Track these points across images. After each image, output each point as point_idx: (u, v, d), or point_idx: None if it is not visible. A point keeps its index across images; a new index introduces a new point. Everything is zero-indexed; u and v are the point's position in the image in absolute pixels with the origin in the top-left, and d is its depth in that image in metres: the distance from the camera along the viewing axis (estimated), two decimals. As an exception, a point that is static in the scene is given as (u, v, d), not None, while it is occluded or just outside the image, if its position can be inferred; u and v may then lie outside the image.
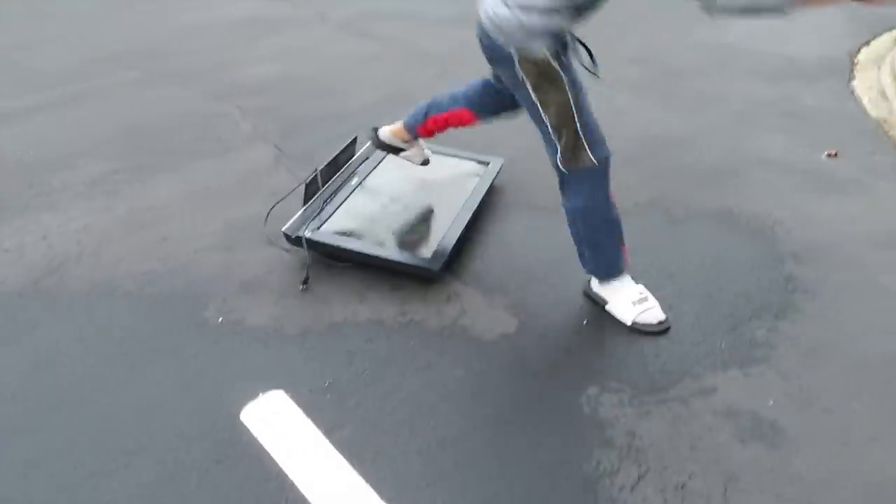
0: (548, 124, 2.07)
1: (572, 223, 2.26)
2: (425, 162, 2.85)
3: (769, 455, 1.85)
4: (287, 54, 4.76)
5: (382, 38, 5.09)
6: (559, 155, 2.10)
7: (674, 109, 3.85)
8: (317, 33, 5.23)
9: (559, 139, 2.07)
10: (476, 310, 2.39)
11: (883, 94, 3.90)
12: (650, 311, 2.28)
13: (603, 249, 2.28)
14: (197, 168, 3.32)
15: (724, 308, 2.39)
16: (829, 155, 3.33)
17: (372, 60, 4.66)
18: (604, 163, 2.12)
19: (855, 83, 4.10)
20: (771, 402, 2.01)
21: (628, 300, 2.30)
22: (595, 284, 2.39)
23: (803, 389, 2.06)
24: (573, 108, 2.03)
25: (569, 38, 2.05)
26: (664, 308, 2.32)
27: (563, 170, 2.13)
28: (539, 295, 2.46)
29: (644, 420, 1.96)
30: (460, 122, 2.54)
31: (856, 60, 4.40)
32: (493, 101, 2.41)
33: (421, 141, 2.80)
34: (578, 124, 2.05)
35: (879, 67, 4.19)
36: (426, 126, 2.61)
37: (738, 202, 2.98)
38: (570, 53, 2.05)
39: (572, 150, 2.08)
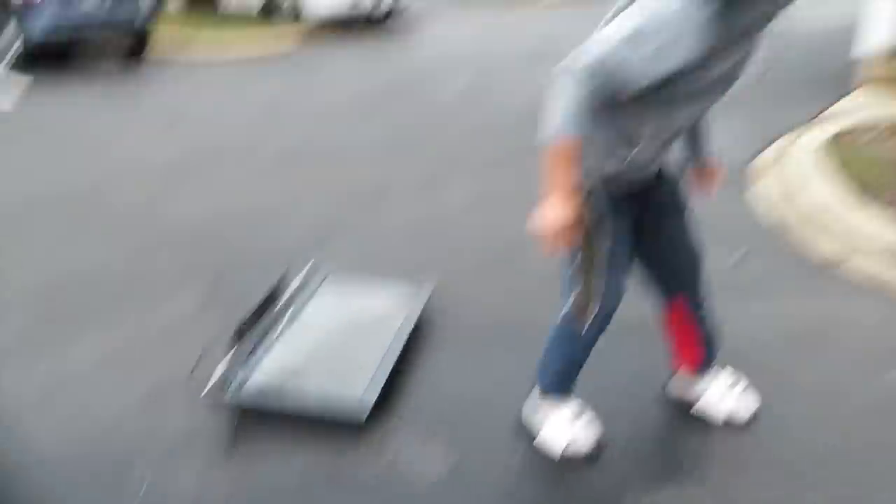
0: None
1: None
2: None
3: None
4: (214, 197, 4.81)
5: (313, 172, 5.23)
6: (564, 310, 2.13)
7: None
8: (245, 172, 5.33)
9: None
10: (410, 452, 2.36)
11: (783, 197, 4.15)
12: (579, 440, 2.28)
13: (557, 369, 2.30)
14: (118, 326, 3.23)
15: (655, 423, 2.43)
16: (736, 260, 3.50)
17: (303, 194, 4.76)
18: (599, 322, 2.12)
19: (753, 189, 4.39)
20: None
21: (562, 420, 2.30)
22: (529, 408, 2.40)
23: (725, 497, 2.09)
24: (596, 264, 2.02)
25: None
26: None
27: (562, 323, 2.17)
28: (473, 430, 2.45)
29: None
30: None
31: (752, 169, 4.71)
32: None
33: None
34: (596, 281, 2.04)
35: (776, 172, 4.50)
36: None
37: (643, 314, 3.07)
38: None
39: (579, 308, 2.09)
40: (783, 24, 1.80)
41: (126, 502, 2.19)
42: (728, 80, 1.87)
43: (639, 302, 2.38)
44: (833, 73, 6.72)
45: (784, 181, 4.34)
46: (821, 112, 5.66)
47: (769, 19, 1.77)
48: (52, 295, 3.55)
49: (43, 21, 9.20)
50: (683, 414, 2.47)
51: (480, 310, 3.20)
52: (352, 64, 9.91)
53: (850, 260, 3.43)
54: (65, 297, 3.53)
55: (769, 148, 5.01)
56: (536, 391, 2.38)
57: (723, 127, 5.41)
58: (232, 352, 2.64)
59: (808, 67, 7.17)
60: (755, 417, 2.41)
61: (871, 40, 6.25)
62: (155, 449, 2.42)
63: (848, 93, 6.18)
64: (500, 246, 3.76)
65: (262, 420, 2.52)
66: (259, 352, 2.74)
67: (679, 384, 2.52)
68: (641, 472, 2.23)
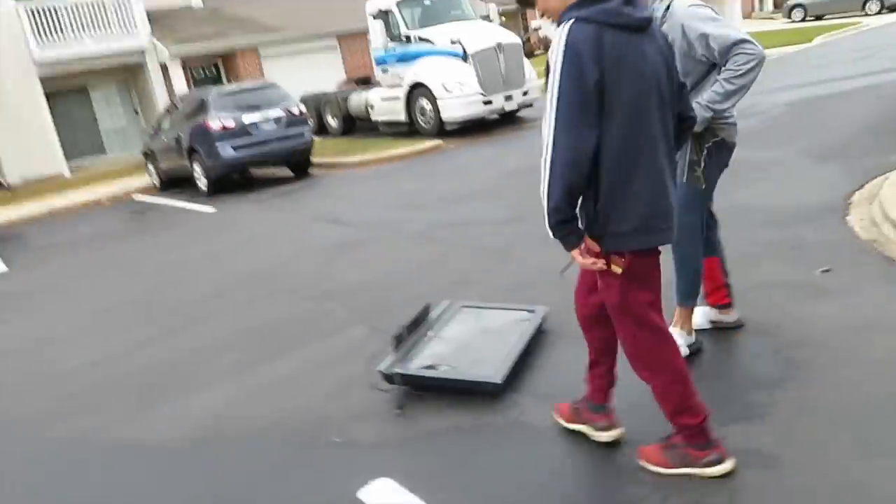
0: None
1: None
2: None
3: (768, 475, 2.36)
4: (371, 264, 5.85)
5: (448, 241, 6.17)
6: None
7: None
8: (393, 245, 6.37)
9: None
10: (532, 412, 3.04)
11: (873, 222, 4.55)
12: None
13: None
14: (309, 349, 4.22)
15: (732, 384, 2.96)
16: (822, 271, 3.95)
17: (440, 258, 5.68)
18: None
19: (849, 217, 4.78)
20: (769, 440, 2.54)
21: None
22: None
23: (795, 433, 2.58)
24: None
25: None
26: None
27: None
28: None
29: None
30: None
31: (850, 201, 5.10)
32: None
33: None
34: None
35: (870, 203, 4.88)
36: None
37: (745, 314, 3.59)
38: None
39: None
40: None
41: (327, 447, 3.03)
42: None
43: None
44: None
45: (872, 210, 4.70)
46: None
47: None
48: (256, 336, 4.62)
49: (233, 143, 11.11)
50: (757, 377, 2.98)
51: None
52: (484, 154, 11.04)
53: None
54: (265, 336, 4.59)
55: (869, 183, 5.35)
56: None
57: (827, 170, 5.84)
58: (394, 351, 3.49)
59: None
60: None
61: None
62: (343, 417, 3.27)
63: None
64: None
65: (420, 397, 3.31)
66: (415, 349, 3.56)
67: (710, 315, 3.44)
68: (715, 415, 2.76)
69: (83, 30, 17.40)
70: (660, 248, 2.36)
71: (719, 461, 2.39)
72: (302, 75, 19.51)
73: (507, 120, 13.60)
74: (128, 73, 19.40)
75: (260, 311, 5.15)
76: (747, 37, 2.81)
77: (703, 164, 3.02)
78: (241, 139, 11.19)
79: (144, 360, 4.53)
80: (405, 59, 13.88)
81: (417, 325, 3.76)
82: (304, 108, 12.27)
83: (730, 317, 3.48)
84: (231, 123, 11.16)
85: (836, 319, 3.40)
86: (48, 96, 17.14)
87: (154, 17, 18.97)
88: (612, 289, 2.33)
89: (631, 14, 2.15)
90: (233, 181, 11.92)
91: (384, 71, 14.78)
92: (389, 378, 3.36)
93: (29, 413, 4.03)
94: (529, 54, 30.70)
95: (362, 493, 2.67)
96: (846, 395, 2.77)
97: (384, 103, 14.60)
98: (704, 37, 2.82)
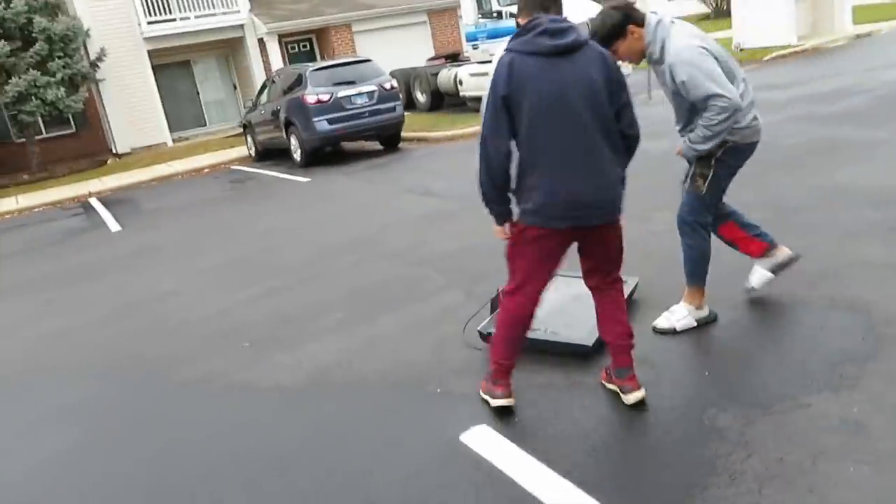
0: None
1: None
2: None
3: (852, 439, 2.47)
4: (463, 234, 6.10)
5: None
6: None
7: (786, 236, 4.57)
8: (484, 217, 6.57)
9: None
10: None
11: (981, 205, 4.44)
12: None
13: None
14: (409, 310, 4.51)
15: (823, 353, 3.06)
16: (923, 253, 3.92)
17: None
18: None
19: (956, 200, 4.67)
20: (855, 409, 2.63)
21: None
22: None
23: (884, 402, 2.66)
24: None
25: None
26: (776, 359, 3.03)
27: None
28: (666, 352, 3.26)
29: (751, 426, 2.65)
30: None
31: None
32: None
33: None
34: None
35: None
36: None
37: (839, 292, 3.64)
38: None
39: None
40: None
41: (428, 398, 3.32)
42: None
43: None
44: None
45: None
46: None
47: None
48: (359, 295, 4.96)
49: (328, 117, 11.57)
50: (848, 350, 3.05)
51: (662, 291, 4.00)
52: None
53: None
54: (368, 296, 4.91)
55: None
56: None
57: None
58: (491, 312, 3.73)
59: None
60: None
61: None
62: (444, 370, 3.55)
63: None
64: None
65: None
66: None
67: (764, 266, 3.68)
68: (806, 381, 2.87)
69: (188, 5, 18.30)
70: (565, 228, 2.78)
71: (502, 397, 3.04)
72: (392, 51, 19.87)
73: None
74: (227, 48, 20.28)
75: (361, 273, 5.49)
76: (720, 90, 3.01)
77: (710, 175, 3.36)
78: (335, 113, 11.62)
79: (258, 313, 4.95)
80: (496, 35, 13.98)
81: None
82: (395, 83, 12.58)
83: (781, 255, 3.67)
84: (326, 98, 11.59)
85: (933, 298, 3.40)
86: (154, 69, 18.18)
87: (253, -6, 19.70)
88: (509, 247, 2.98)
89: (543, 43, 2.64)
90: (325, 153, 12.42)
91: (475, 47, 14.93)
92: (486, 337, 3.60)
93: (158, 357, 4.50)
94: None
95: (464, 437, 2.94)
96: (940, 372, 2.82)
97: (473, 79, 14.75)
98: (683, 84, 3.10)
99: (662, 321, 3.64)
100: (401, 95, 17.80)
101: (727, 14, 17.63)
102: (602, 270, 3.00)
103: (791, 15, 15.61)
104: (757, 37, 16.04)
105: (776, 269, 3.68)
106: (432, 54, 20.35)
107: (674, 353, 3.37)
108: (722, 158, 3.33)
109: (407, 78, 17.41)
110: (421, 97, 17.13)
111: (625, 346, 2.98)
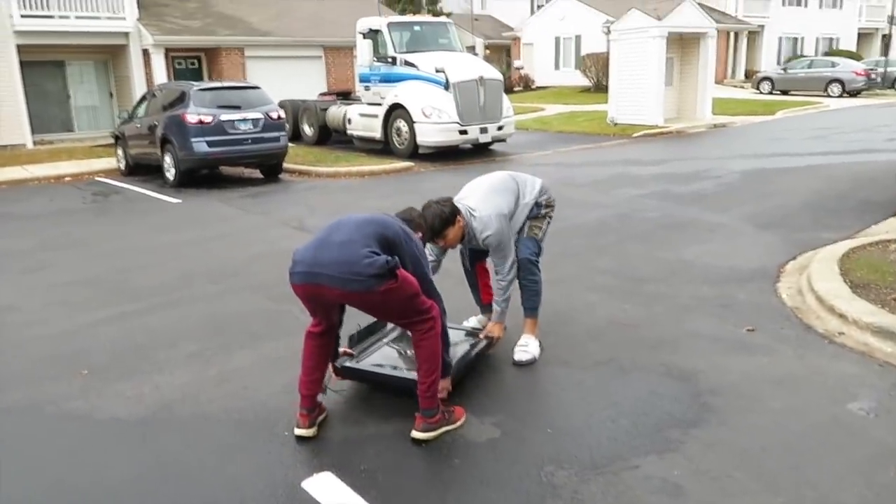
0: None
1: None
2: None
3: (671, 500, 2.66)
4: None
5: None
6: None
7: (633, 304, 4.94)
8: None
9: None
10: (470, 427, 3.31)
11: (799, 291, 4.98)
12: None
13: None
14: (267, 346, 4.42)
15: (652, 420, 3.28)
16: (748, 330, 4.33)
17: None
18: None
19: (779, 284, 5.21)
20: (676, 472, 2.85)
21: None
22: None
23: (700, 467, 2.90)
24: None
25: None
26: (611, 420, 3.23)
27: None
28: (514, 408, 3.38)
29: (584, 484, 2.80)
30: None
31: (782, 269, 5.54)
32: None
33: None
34: None
35: (801, 274, 5.32)
36: None
37: (673, 360, 3.94)
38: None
39: None
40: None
41: (275, 440, 3.24)
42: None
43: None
44: (882, 202, 7.47)
45: (800, 280, 5.15)
46: (858, 232, 6.42)
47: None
48: (215, 329, 4.80)
49: (208, 139, 11.22)
50: (675, 417, 3.30)
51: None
52: (454, 179, 11.34)
53: (842, 335, 4.19)
54: (225, 328, 4.76)
55: (802, 255, 5.81)
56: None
57: (766, 239, 6.31)
58: (353, 346, 3.76)
59: (860, 196, 7.96)
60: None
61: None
62: (292, 413, 3.48)
63: (892, 216, 6.92)
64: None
65: (369, 403, 3.55)
66: (366, 352, 3.83)
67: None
68: (634, 446, 3.07)
69: (68, 4, 17.33)
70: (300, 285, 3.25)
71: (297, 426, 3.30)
72: (284, 80, 19.70)
73: (481, 151, 14.00)
74: (108, 54, 19.33)
75: (222, 304, 5.31)
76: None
77: (543, 224, 4.21)
78: (216, 136, 11.31)
79: (104, 338, 4.66)
80: (388, 79, 14.21)
81: (372, 332, 4.01)
82: (282, 114, 12.46)
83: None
84: (209, 119, 11.28)
85: (751, 373, 3.76)
86: (23, 65, 16.97)
87: (143, 3, 18.99)
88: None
89: None
90: (201, 176, 12.01)
91: (367, 88, 15.09)
92: (340, 371, 3.60)
93: (-17, 377, 4.12)
94: (509, 90, 31.45)
95: (306, 483, 2.89)
96: (749, 439, 3.11)
97: (362, 119, 14.88)
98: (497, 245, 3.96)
99: (523, 356, 3.97)
100: (287, 126, 17.63)
101: (606, 89, 18.91)
102: None
103: (660, 98, 16.98)
104: (629, 114, 17.29)
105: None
106: (325, 89, 20.36)
107: (520, 409, 3.50)
108: (550, 214, 4.25)
109: (296, 109, 17.29)
110: (308, 130, 17.03)
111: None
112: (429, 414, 3.20)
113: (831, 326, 4.34)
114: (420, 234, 3.54)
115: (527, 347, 4.06)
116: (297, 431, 3.27)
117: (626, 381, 3.74)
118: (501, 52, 36.93)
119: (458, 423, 3.30)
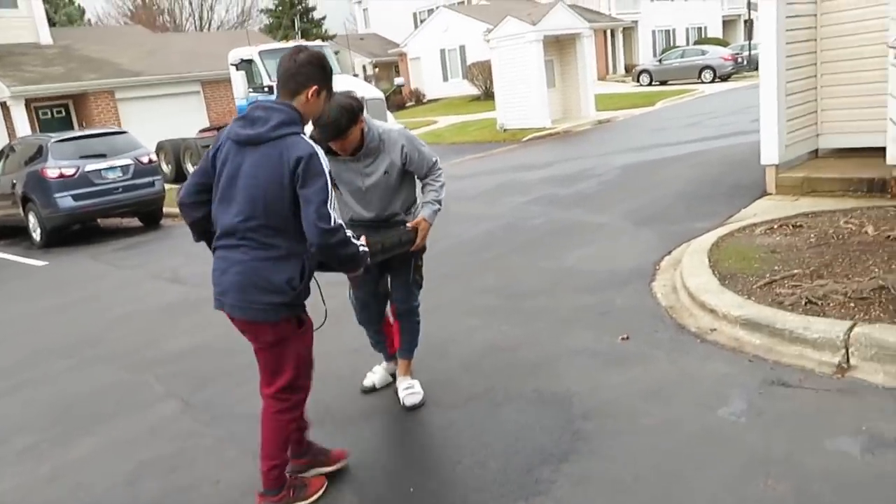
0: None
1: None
2: None
3: (534, 556, 2.45)
4: (199, 329, 5.63)
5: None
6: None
7: (512, 324, 4.77)
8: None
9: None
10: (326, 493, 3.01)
11: (673, 288, 4.94)
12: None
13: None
14: (113, 428, 3.97)
15: (522, 459, 3.07)
16: (622, 339, 4.22)
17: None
18: None
19: (654, 283, 5.16)
20: (542, 520, 2.64)
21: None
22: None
23: (570, 509, 2.71)
24: None
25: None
26: (480, 465, 3.00)
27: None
28: (374, 467, 3.11)
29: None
30: None
31: (658, 266, 5.52)
32: None
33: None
34: None
35: (675, 269, 5.30)
36: None
37: (547, 384, 3.77)
38: None
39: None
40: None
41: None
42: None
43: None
44: (749, 184, 7.65)
45: (674, 276, 5.12)
46: (728, 218, 6.52)
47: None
48: (59, 414, 4.32)
49: (73, 193, 10.45)
50: (545, 451, 3.11)
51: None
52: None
53: (714, 331, 4.14)
54: (70, 414, 4.29)
55: (676, 249, 5.82)
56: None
57: (644, 235, 6.31)
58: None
59: (730, 181, 8.15)
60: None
61: (768, 155, 7.20)
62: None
63: (758, 198, 7.08)
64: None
65: None
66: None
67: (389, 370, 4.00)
68: (502, 491, 2.85)
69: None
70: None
71: None
72: (162, 120, 18.88)
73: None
74: (-38, 111, 17.97)
75: (72, 382, 4.81)
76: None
77: (421, 267, 3.76)
78: (82, 188, 10.60)
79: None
80: (267, 109, 13.78)
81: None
82: (154, 157, 11.82)
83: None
84: (71, 171, 10.57)
85: (624, 388, 3.62)
86: None
87: (-4, 53, 17.78)
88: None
89: (236, 132, 2.72)
90: (75, 232, 11.23)
91: (245, 120, 14.59)
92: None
93: None
94: (401, 106, 31.40)
95: None
96: (621, 468, 2.94)
97: (244, 153, 14.36)
98: (419, 154, 3.61)
99: (414, 398, 3.73)
100: (166, 168, 16.86)
101: (494, 96, 19.04)
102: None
103: (544, 101, 17.20)
104: (517, 119, 17.45)
105: (394, 377, 3.97)
106: (207, 125, 19.62)
107: (383, 467, 3.23)
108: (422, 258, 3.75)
109: (177, 149, 16.57)
110: (192, 169, 16.27)
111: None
112: (273, 493, 2.88)
113: (703, 323, 4.29)
114: (316, 132, 3.19)
115: (413, 388, 3.78)
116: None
117: (498, 415, 3.53)
118: (390, 69, 36.87)
119: (313, 499, 2.99)
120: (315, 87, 2.73)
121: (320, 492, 3.00)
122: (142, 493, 3.24)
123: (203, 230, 2.92)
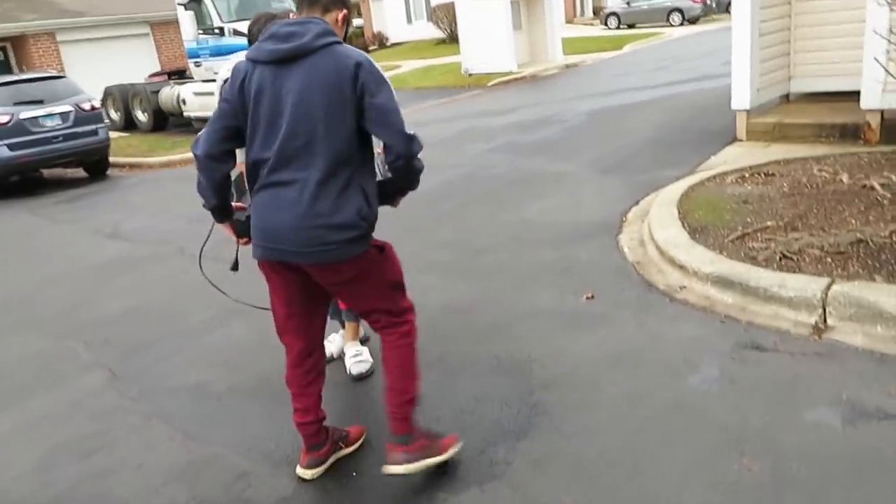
0: None
1: None
2: None
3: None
4: (137, 289, 5.23)
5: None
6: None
7: (469, 281, 4.46)
8: (171, 265, 5.76)
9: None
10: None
11: (641, 242, 4.67)
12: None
13: None
14: (29, 406, 3.60)
15: (476, 437, 2.79)
16: (587, 298, 3.95)
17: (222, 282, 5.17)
18: None
19: (621, 236, 4.88)
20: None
21: None
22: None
23: (528, 495, 2.44)
24: None
25: None
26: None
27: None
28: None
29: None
30: None
31: (624, 218, 5.24)
32: None
33: None
34: None
35: (643, 221, 5.02)
36: None
37: (505, 349, 3.48)
38: None
39: None
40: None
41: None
42: None
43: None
44: (719, 129, 7.38)
45: (641, 229, 4.84)
46: (697, 166, 6.24)
47: None
48: (-25, 386, 3.92)
49: (8, 142, 9.79)
50: (503, 427, 2.84)
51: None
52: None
53: (683, 289, 3.88)
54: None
55: (644, 200, 5.53)
56: None
57: (610, 185, 6.03)
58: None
59: (699, 126, 7.86)
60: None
61: (739, 99, 6.91)
62: (44, 499, 2.75)
63: (728, 145, 6.82)
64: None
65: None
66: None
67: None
68: (452, 476, 2.57)
69: None
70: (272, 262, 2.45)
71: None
72: (110, 64, 17.94)
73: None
74: None
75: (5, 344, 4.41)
76: None
77: None
78: (18, 137, 9.94)
79: None
80: (220, 52, 13.00)
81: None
82: (97, 104, 11.10)
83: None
84: (6, 119, 9.89)
85: (588, 353, 3.36)
86: None
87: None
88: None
89: (268, 50, 2.31)
90: (13, 184, 10.58)
91: (197, 65, 13.85)
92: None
93: None
94: (364, 49, 30.31)
95: None
96: (585, 445, 2.68)
97: (197, 98, 13.64)
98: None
99: (362, 367, 3.46)
100: (115, 115, 16.03)
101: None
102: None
103: (510, 44, 16.65)
104: (483, 63, 16.88)
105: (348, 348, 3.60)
106: (158, 69, 18.66)
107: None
108: None
109: (125, 95, 15.75)
110: (142, 117, 15.56)
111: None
112: (404, 441, 2.53)
113: (672, 280, 4.03)
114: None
115: (361, 356, 3.50)
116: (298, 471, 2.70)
117: (452, 385, 3.24)
118: (353, 12, 35.53)
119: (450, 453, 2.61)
120: (345, 12, 2.41)
121: (456, 447, 2.65)
122: (55, 480, 2.90)
123: (225, 195, 2.53)
